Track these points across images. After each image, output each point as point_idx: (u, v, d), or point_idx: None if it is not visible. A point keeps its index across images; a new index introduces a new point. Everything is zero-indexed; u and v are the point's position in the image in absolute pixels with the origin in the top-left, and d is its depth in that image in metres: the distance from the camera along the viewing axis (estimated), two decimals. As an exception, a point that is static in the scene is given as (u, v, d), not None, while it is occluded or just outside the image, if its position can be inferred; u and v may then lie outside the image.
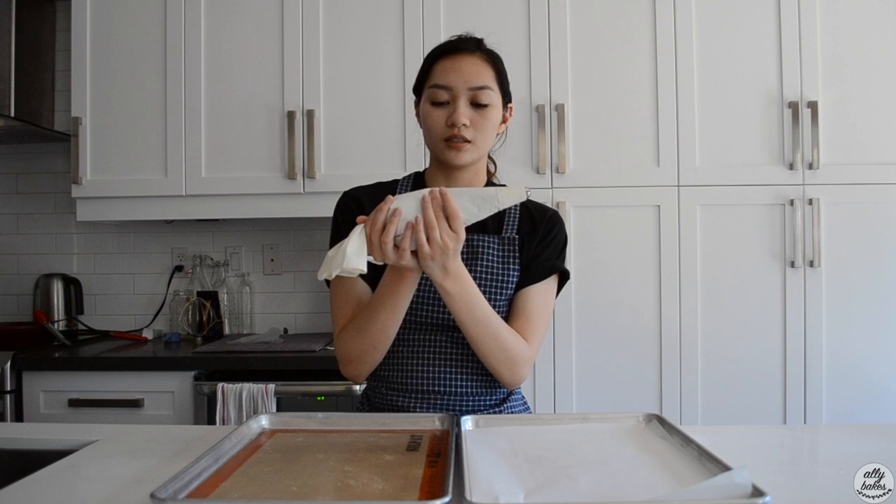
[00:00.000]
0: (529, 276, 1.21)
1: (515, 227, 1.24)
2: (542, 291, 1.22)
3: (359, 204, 1.23)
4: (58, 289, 2.57)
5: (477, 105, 1.16)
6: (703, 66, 2.17)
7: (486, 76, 1.17)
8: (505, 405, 1.25)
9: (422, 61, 1.24)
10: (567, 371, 2.16)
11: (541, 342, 1.22)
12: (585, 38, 2.20)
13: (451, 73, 1.16)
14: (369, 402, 1.28)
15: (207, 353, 2.11)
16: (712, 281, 2.14)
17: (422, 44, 2.21)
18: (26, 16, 2.48)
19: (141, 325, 2.62)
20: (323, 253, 1.29)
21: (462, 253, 1.14)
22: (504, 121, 1.24)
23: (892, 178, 2.13)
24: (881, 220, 2.13)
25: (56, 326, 2.47)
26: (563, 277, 1.27)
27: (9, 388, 2.06)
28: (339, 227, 1.23)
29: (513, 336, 1.15)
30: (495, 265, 1.20)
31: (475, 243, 1.20)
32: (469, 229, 1.19)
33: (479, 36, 1.22)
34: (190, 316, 2.52)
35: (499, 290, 1.19)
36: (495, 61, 1.21)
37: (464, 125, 1.15)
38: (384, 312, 1.10)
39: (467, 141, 1.16)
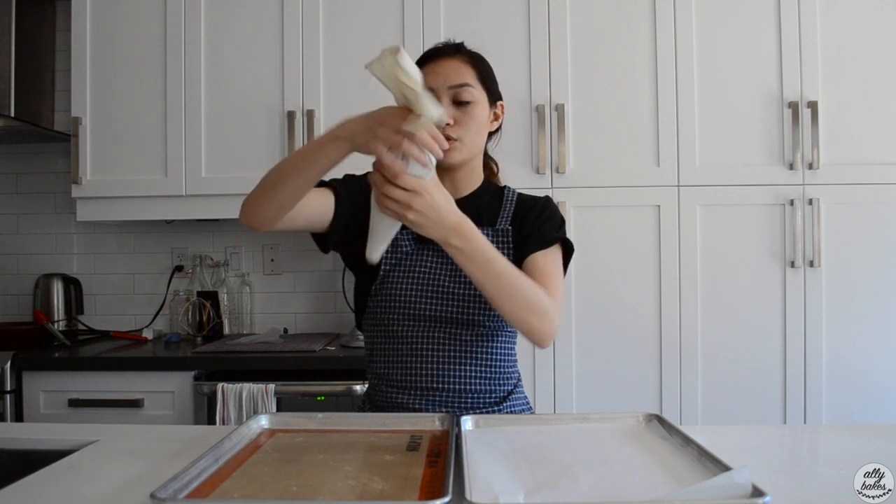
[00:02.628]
0: (533, 244, 1.19)
1: (509, 219, 1.25)
2: (549, 256, 1.20)
3: (357, 182, 1.23)
4: (58, 289, 2.57)
5: (459, 103, 1.18)
6: (703, 66, 2.17)
7: (466, 75, 1.20)
8: (506, 403, 1.24)
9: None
10: (567, 371, 2.15)
11: (560, 299, 1.17)
12: (585, 38, 2.20)
13: (430, 77, 1.17)
14: (371, 401, 1.28)
15: (207, 353, 2.11)
16: (712, 281, 2.14)
17: (422, 44, 2.20)
18: (26, 16, 2.48)
19: (141, 325, 2.61)
20: (322, 253, 1.29)
21: None
22: (495, 118, 1.26)
23: (892, 178, 2.13)
24: (881, 220, 2.13)
25: (56, 326, 2.47)
26: (568, 252, 1.25)
27: (9, 388, 2.06)
28: (346, 182, 1.23)
29: (535, 285, 1.10)
30: None
31: None
32: None
33: (473, 38, 1.26)
34: (190, 316, 2.52)
35: None
36: (476, 61, 1.23)
37: (448, 124, 1.16)
38: (302, 177, 1.03)
39: (453, 140, 1.17)
